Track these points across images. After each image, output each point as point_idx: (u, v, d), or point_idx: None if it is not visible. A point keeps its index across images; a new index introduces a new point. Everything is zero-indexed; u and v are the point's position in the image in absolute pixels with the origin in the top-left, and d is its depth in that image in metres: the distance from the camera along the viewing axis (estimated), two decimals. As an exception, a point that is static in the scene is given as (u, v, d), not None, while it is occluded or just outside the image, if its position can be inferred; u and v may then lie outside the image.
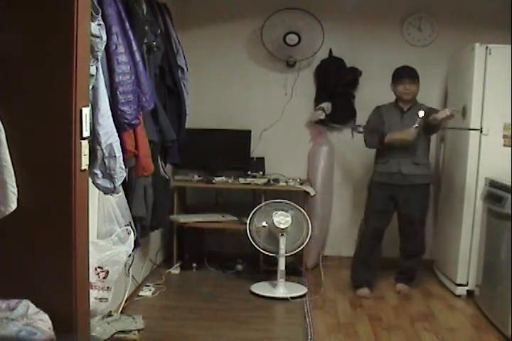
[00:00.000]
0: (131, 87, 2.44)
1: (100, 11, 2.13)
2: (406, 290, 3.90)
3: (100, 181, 2.27)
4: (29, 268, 1.97)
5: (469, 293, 3.77)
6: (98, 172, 2.23)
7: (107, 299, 2.56)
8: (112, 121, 2.25)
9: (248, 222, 3.86)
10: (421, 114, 3.58)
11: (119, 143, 2.28)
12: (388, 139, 3.70)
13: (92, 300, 2.36)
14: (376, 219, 3.83)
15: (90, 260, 2.15)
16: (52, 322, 1.87)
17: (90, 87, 2.12)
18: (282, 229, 3.72)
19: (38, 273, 1.97)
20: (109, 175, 2.26)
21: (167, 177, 3.78)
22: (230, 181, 4.29)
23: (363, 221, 3.94)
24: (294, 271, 4.12)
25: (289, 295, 3.70)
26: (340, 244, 4.58)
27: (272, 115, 4.49)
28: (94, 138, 2.15)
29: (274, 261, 3.90)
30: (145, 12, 2.94)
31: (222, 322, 3.27)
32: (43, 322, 1.85)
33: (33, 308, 1.88)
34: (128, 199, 2.99)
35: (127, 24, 2.53)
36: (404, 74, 3.72)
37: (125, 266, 3.15)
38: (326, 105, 4.38)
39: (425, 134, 3.74)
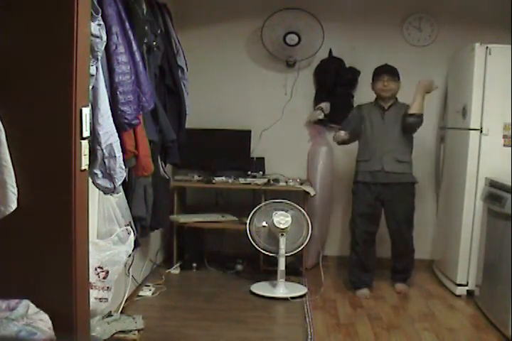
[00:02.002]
0: (131, 87, 2.44)
1: (100, 11, 2.13)
2: (406, 290, 3.90)
3: (100, 181, 2.27)
4: (29, 268, 1.97)
5: (469, 293, 3.76)
6: (98, 172, 2.23)
7: (107, 299, 2.56)
8: (111, 121, 2.25)
9: (248, 222, 3.86)
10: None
11: (119, 143, 2.28)
12: (338, 135, 3.86)
13: (92, 300, 2.37)
14: (365, 222, 3.82)
15: (90, 260, 2.15)
16: (52, 322, 1.87)
17: (90, 87, 2.12)
18: (282, 229, 3.72)
19: (38, 273, 1.96)
20: (109, 175, 2.26)
21: (167, 177, 3.78)
22: (230, 181, 4.28)
23: (351, 225, 3.92)
24: (293, 271, 4.13)
25: (289, 295, 3.70)
26: (341, 244, 4.57)
27: (272, 115, 4.49)
28: (94, 138, 2.15)
29: (274, 261, 3.90)
30: (145, 12, 2.95)
31: (222, 322, 3.27)
32: (43, 322, 1.85)
33: (33, 308, 1.88)
34: (128, 199, 2.99)
35: (127, 24, 2.53)
36: (384, 71, 3.73)
37: (125, 266, 3.15)
38: (325, 105, 4.37)
39: (405, 133, 3.75)
